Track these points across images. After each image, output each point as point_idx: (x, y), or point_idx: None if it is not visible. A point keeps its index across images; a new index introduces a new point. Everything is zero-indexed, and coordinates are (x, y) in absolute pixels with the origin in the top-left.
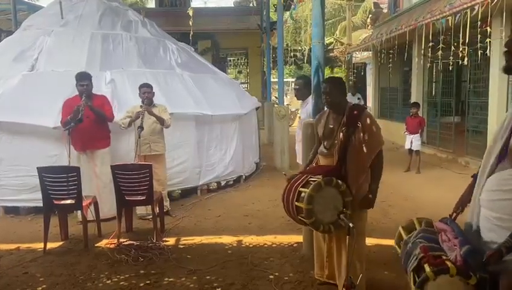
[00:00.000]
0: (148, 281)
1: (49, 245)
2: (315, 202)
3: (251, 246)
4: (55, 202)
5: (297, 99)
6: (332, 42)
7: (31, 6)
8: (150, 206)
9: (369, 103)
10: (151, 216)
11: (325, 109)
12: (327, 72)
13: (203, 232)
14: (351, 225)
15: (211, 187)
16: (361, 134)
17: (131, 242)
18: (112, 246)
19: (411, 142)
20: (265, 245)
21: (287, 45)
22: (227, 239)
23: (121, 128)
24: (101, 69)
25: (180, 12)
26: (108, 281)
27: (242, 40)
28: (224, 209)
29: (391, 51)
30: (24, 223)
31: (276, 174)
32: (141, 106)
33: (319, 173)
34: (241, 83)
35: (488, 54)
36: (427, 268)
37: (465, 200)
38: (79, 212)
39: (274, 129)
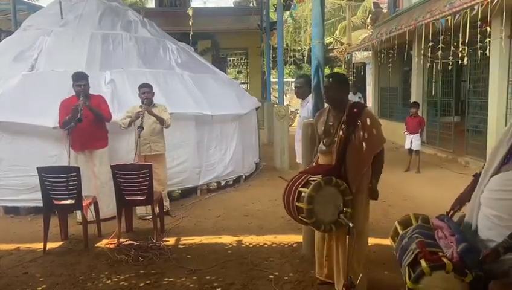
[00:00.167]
0: (148, 281)
1: (49, 245)
2: (315, 202)
3: (251, 246)
4: (55, 202)
5: (298, 97)
6: (332, 42)
7: (31, 7)
8: (149, 206)
9: (369, 103)
10: (151, 216)
11: (325, 106)
12: (327, 72)
13: (203, 232)
14: (350, 224)
15: (211, 187)
16: (361, 133)
17: (131, 242)
18: (112, 246)
19: (411, 142)
20: (265, 245)
21: (287, 44)
22: (227, 239)
23: (121, 129)
24: (101, 69)
25: (179, 12)
26: (108, 281)
27: (242, 40)
28: (224, 209)
29: (391, 51)
30: (24, 223)
31: (276, 174)
32: (141, 106)
33: (318, 172)
34: (241, 83)
35: (488, 54)
36: (423, 263)
37: (464, 198)
38: (78, 212)
39: (274, 129)
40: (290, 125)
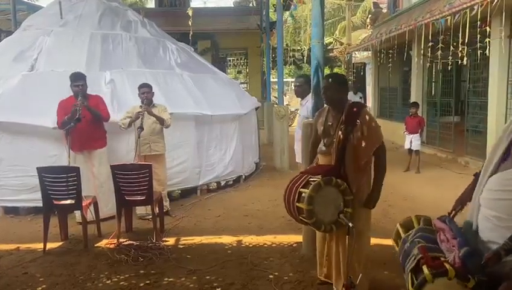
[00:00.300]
0: (148, 281)
1: (49, 245)
2: (315, 202)
3: (251, 246)
4: (55, 202)
5: (297, 96)
6: (332, 42)
7: (31, 7)
8: (149, 206)
9: (369, 103)
10: (150, 216)
11: (325, 106)
12: (327, 72)
13: (202, 232)
14: (350, 224)
15: (211, 187)
16: (360, 132)
17: (131, 242)
18: (112, 246)
19: (411, 142)
20: (265, 245)
21: (287, 44)
22: (227, 239)
23: (121, 129)
24: (101, 69)
25: (179, 12)
26: (108, 281)
27: (242, 40)
28: (224, 209)
29: (391, 51)
30: (24, 223)
31: (276, 174)
32: (141, 106)
33: (318, 172)
34: (241, 83)
35: (488, 54)
36: (425, 270)
37: (465, 198)
38: (77, 212)
39: (274, 129)
40: (289, 125)
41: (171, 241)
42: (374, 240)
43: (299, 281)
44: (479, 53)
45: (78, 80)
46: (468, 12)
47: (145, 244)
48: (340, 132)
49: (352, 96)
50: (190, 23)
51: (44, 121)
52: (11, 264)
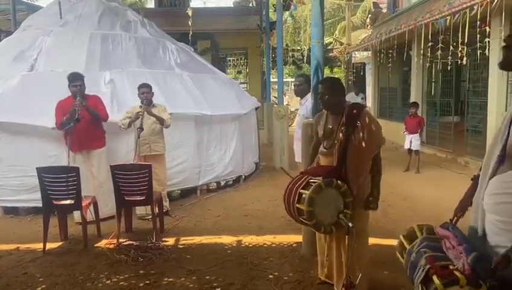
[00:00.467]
0: (147, 281)
1: (49, 245)
2: (316, 203)
3: (251, 246)
4: (55, 202)
5: (296, 96)
6: (332, 42)
7: (30, 7)
8: (149, 206)
9: (369, 103)
10: (150, 216)
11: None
12: (326, 72)
13: (202, 232)
14: (350, 224)
15: (211, 187)
16: (361, 133)
17: (131, 242)
18: (112, 246)
19: (410, 142)
20: (265, 245)
21: (287, 45)
22: (226, 239)
23: (120, 129)
24: (101, 69)
25: (179, 12)
26: (108, 281)
27: (241, 40)
28: (223, 209)
29: (390, 51)
30: (23, 223)
31: (276, 174)
32: (141, 106)
33: (319, 173)
34: (241, 83)
35: (487, 54)
36: (436, 280)
37: (465, 203)
38: (76, 213)
39: (273, 129)
40: (289, 125)
41: (170, 241)
42: (373, 240)
43: (298, 281)
44: (478, 53)
45: (76, 80)
46: (467, 12)
47: (145, 245)
48: (341, 134)
49: (354, 98)
50: (190, 23)
51: (44, 121)
52: (10, 264)
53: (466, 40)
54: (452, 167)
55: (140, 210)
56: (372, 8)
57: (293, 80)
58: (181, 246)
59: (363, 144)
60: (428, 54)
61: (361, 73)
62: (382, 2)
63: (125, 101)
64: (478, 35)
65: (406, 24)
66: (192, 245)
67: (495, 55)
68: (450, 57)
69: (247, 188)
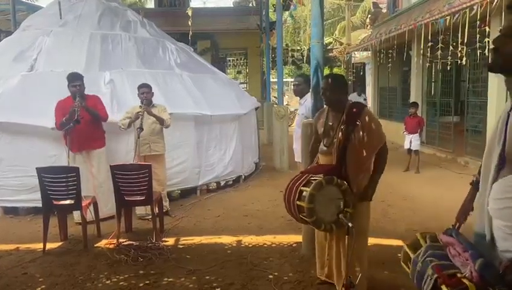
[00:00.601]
0: (147, 281)
1: (49, 245)
2: (316, 200)
3: (250, 246)
4: (55, 202)
5: (296, 95)
6: (332, 42)
7: (30, 7)
8: (149, 206)
9: (369, 103)
10: (150, 216)
11: (325, 106)
12: (326, 72)
13: (202, 232)
14: (350, 224)
15: (211, 187)
16: (361, 132)
17: (131, 242)
18: (111, 246)
19: (410, 142)
20: (265, 245)
21: (287, 45)
22: (226, 239)
23: (120, 130)
24: (100, 70)
25: (179, 12)
26: (108, 282)
27: (241, 40)
28: (223, 209)
29: (390, 51)
30: (23, 223)
31: (276, 174)
32: (140, 107)
33: (319, 172)
34: (241, 83)
35: (487, 54)
36: None
37: (466, 209)
38: (75, 213)
39: (273, 129)
40: (289, 125)
41: (170, 241)
42: (373, 240)
43: (298, 281)
44: (478, 53)
45: (75, 80)
46: (467, 12)
47: (145, 245)
48: (340, 133)
49: (356, 98)
50: (190, 23)
51: (44, 121)
52: (10, 264)
53: (466, 40)
54: (452, 167)
55: (140, 210)
56: (371, 8)
57: (292, 80)
58: (181, 246)
59: (363, 143)
60: (428, 54)
61: (361, 73)
62: (382, 2)
63: (125, 101)
64: (478, 35)
65: (406, 24)
66: (192, 245)
67: None
68: (449, 57)
69: (247, 188)
